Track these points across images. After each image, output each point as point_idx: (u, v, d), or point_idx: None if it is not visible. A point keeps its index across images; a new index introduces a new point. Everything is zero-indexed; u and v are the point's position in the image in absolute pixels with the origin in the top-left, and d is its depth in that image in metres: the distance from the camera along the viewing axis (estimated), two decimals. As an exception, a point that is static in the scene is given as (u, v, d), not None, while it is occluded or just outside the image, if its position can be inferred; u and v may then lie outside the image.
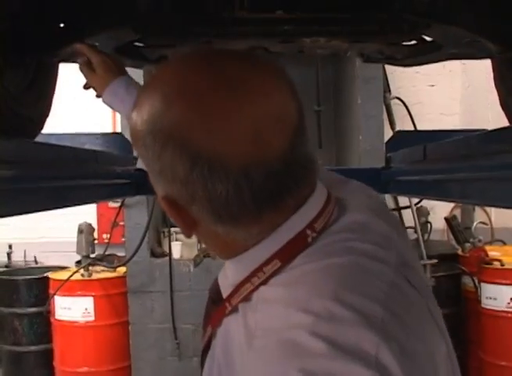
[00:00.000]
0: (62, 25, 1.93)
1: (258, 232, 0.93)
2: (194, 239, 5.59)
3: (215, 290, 1.09)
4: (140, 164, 3.74)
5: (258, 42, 2.03)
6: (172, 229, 5.53)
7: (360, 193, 1.12)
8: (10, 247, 6.95)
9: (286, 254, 0.92)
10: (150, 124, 0.90)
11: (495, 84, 2.51)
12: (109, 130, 6.42)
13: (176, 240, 5.53)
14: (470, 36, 2.00)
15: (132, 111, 0.95)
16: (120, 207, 5.38)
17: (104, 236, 6.33)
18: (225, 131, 0.85)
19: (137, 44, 2.15)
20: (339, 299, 0.84)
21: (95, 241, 5.48)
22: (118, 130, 5.73)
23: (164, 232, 5.67)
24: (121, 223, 5.54)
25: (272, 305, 0.89)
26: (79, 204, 2.32)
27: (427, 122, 5.93)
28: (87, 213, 6.12)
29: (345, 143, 5.78)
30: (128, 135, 3.33)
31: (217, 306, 1.05)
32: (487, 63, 2.38)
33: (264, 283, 0.94)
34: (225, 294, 1.03)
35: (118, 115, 5.79)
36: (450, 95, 6.73)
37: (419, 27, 1.95)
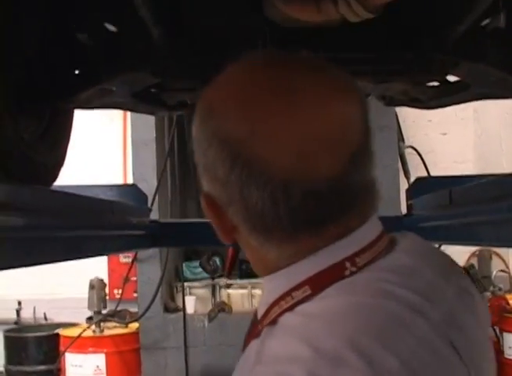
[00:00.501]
0: (77, 72, 1.89)
1: (293, 253, 0.87)
2: (208, 293, 5.50)
3: (256, 311, 1.03)
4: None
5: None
6: (186, 284, 5.45)
7: (415, 237, 1.01)
8: (19, 303, 6.83)
9: (319, 283, 0.85)
10: (201, 120, 0.90)
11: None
12: (120, 181, 6.39)
13: (190, 294, 5.44)
14: (499, 74, 1.95)
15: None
16: (133, 262, 5.30)
17: (115, 291, 6.22)
18: (270, 138, 0.81)
19: (155, 90, 2.10)
20: (353, 342, 0.77)
21: (107, 297, 5.39)
22: (129, 181, 5.70)
23: (177, 286, 5.59)
24: (133, 279, 5.48)
25: (287, 333, 0.83)
26: (93, 256, 2.24)
27: (440, 170, 5.86)
28: (98, 268, 6.01)
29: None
30: (141, 186, 3.33)
31: (252, 328, 1.00)
32: (499, 111, 2.35)
33: (290, 309, 0.87)
34: (259, 315, 0.96)
35: (129, 166, 5.78)
36: (463, 143, 6.68)
37: (447, 65, 1.89)
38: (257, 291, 5.45)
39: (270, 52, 0.97)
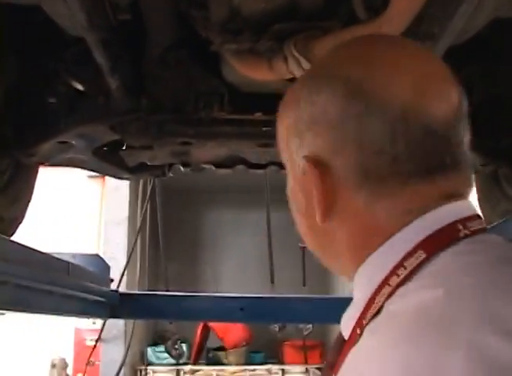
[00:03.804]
0: (34, 123, 1.93)
1: (405, 210, 0.78)
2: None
3: (335, 342, 0.90)
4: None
5: (236, 144, 2.02)
6: (150, 368, 5.34)
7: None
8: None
9: (433, 246, 0.75)
10: (308, 76, 0.90)
11: (479, 203, 2.50)
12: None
13: (153, 378, 5.32)
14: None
15: None
16: (97, 342, 5.19)
17: (79, 375, 6.08)
18: (388, 71, 0.80)
19: (114, 148, 2.14)
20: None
21: (69, 379, 5.26)
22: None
23: (141, 370, 5.47)
24: (97, 363, 5.35)
25: (389, 325, 0.69)
26: (44, 313, 2.22)
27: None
28: (63, 350, 5.91)
29: (330, 282, 5.71)
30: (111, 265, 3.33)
31: (339, 350, 0.85)
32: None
33: (403, 282, 0.74)
34: (347, 332, 0.83)
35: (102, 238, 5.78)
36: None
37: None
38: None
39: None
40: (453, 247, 0.74)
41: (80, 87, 1.93)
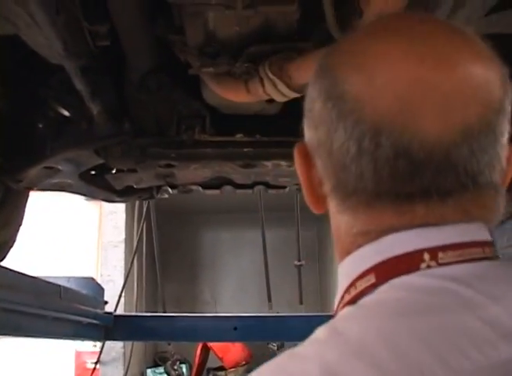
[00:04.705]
0: (22, 149, 1.96)
1: (365, 229, 0.71)
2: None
3: None
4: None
5: (219, 165, 2.05)
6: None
7: None
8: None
9: (386, 272, 0.68)
10: (319, 65, 0.78)
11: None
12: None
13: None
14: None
15: None
16: (96, 364, 5.19)
17: (80, 399, 6.07)
18: (371, 73, 0.68)
19: (102, 172, 2.17)
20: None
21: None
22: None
23: (141, 392, 5.47)
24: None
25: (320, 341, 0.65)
26: (36, 336, 2.24)
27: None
28: (64, 373, 5.91)
29: (327, 300, 5.71)
30: (108, 287, 3.34)
31: None
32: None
33: (351, 302, 0.70)
34: None
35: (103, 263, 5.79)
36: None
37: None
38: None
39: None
40: (402, 277, 0.67)
41: (66, 113, 1.97)
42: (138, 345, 5.60)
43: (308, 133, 0.76)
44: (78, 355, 6.25)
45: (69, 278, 3.20)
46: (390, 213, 0.68)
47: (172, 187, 2.38)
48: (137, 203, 5.08)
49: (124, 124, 1.90)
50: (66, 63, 1.51)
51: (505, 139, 0.69)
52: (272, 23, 1.55)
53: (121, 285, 4.90)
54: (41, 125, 1.95)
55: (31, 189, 2.22)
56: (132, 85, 1.83)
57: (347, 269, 0.73)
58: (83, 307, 2.71)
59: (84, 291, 3.05)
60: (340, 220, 0.74)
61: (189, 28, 1.56)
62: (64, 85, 1.85)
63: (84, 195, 2.43)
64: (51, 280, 2.98)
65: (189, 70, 1.69)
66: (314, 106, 0.74)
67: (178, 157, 1.97)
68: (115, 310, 4.58)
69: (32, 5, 1.23)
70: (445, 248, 0.67)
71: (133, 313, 4.65)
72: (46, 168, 2.02)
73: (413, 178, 0.66)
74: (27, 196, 2.39)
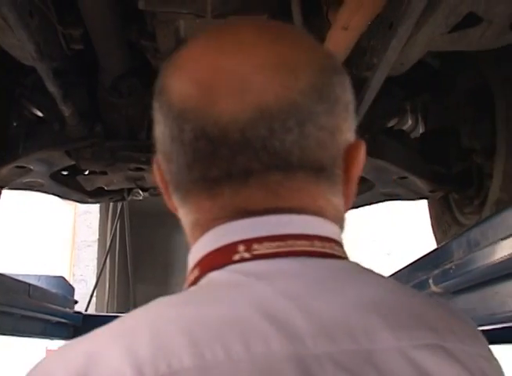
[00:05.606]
0: None
1: (195, 220, 0.71)
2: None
3: None
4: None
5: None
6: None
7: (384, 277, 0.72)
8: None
9: (207, 265, 0.68)
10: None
11: (432, 229, 2.57)
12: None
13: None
14: (401, 172, 2.07)
15: None
16: None
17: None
18: (180, 64, 0.70)
19: (73, 173, 2.20)
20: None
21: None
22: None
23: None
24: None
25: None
26: (2, 333, 2.25)
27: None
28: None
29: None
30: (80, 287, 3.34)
31: None
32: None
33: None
34: None
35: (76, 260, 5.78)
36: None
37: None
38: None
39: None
40: (212, 272, 0.67)
41: (39, 113, 1.99)
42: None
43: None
44: (49, 353, 6.24)
45: (39, 277, 3.21)
46: (206, 200, 0.68)
47: (143, 190, 2.40)
48: (111, 204, 5.10)
49: (96, 126, 1.93)
50: (39, 65, 1.53)
51: (333, 125, 0.69)
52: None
53: (93, 285, 4.91)
54: (15, 124, 1.97)
55: (2, 187, 2.23)
56: (104, 89, 1.86)
57: (188, 262, 0.73)
58: (52, 306, 2.72)
59: (54, 290, 3.06)
60: (181, 215, 0.73)
61: (160, 35, 1.60)
62: (38, 86, 1.87)
63: (56, 195, 2.45)
64: (21, 278, 2.99)
65: (161, 75, 1.71)
66: (155, 104, 0.72)
67: (147, 161, 2.00)
68: (86, 310, 4.60)
69: (5, 8, 1.25)
70: (261, 240, 0.67)
71: (102, 313, 4.65)
72: (18, 167, 2.04)
73: (215, 160, 0.66)
74: (-1, 194, 2.40)
